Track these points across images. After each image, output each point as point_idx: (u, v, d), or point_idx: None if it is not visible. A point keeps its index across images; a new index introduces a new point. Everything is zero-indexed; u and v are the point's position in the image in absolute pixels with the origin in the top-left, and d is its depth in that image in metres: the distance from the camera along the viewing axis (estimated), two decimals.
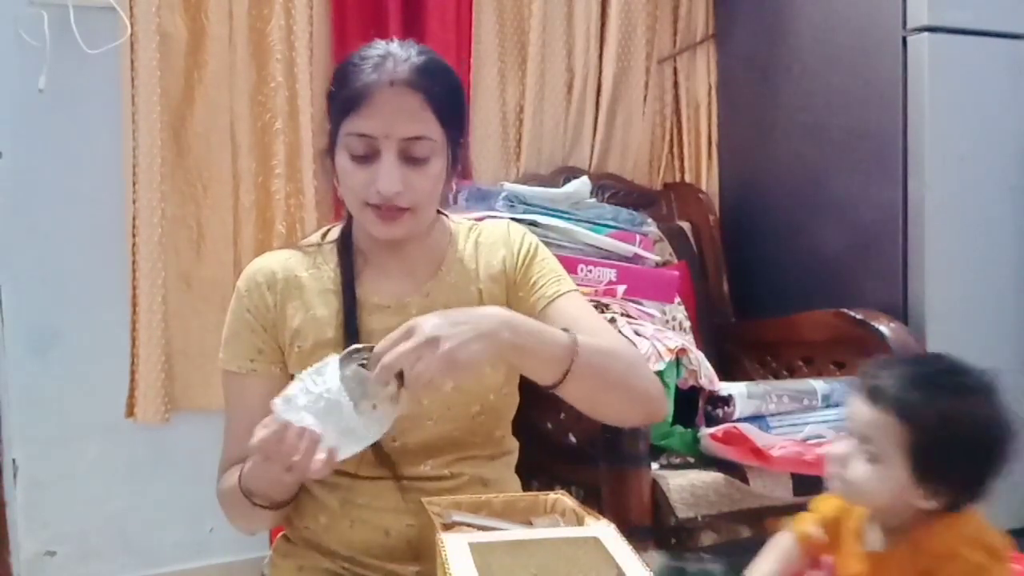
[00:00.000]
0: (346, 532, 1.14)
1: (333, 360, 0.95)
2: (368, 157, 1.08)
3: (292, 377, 1.15)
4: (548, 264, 1.23)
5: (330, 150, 1.14)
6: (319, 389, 0.93)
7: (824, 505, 1.05)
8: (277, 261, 1.18)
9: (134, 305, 2.01)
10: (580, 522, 0.99)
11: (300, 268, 1.18)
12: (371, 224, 1.12)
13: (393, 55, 1.09)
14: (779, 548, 1.06)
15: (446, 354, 0.92)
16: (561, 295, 1.18)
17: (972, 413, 0.92)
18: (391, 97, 1.07)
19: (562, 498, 1.05)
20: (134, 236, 1.99)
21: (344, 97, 1.09)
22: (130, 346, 2.02)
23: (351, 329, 1.13)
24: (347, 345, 1.10)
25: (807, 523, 1.05)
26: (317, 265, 1.18)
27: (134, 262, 2.00)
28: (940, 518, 0.94)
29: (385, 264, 1.18)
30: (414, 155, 1.09)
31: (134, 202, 1.98)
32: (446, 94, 1.11)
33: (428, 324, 0.94)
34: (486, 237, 1.24)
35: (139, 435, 2.09)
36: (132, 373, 2.02)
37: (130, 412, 2.04)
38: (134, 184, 1.98)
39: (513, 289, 1.21)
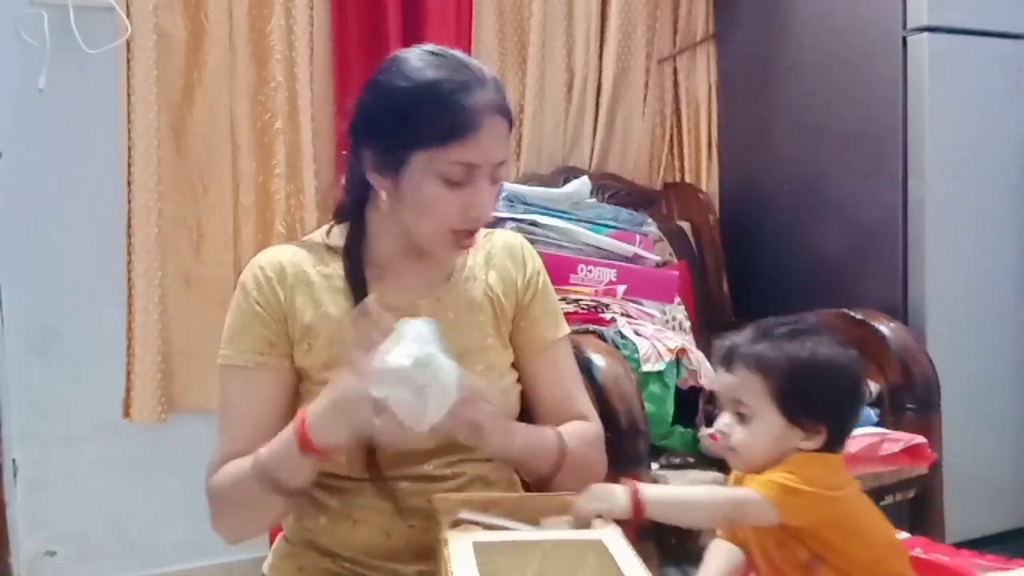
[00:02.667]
0: (347, 533, 1.13)
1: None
2: (462, 183, 1.07)
3: (298, 372, 1.14)
4: (551, 301, 1.27)
5: (383, 170, 1.10)
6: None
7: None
8: (284, 256, 1.16)
9: (130, 306, 2.00)
10: (588, 524, 0.99)
11: (307, 264, 1.16)
12: (446, 248, 1.13)
13: (478, 76, 1.07)
14: (721, 551, 1.10)
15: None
16: (557, 342, 1.24)
17: (813, 350, 1.03)
18: (494, 124, 1.06)
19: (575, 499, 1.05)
20: (130, 236, 1.99)
21: (448, 125, 1.04)
22: (126, 347, 2.02)
23: None
24: None
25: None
26: (325, 263, 1.16)
27: (130, 263, 2.00)
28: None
29: (400, 272, 1.18)
30: (496, 177, 1.10)
31: (130, 202, 1.99)
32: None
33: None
34: (499, 250, 1.25)
35: (139, 435, 2.09)
36: (128, 374, 2.02)
37: (126, 413, 2.03)
38: (129, 184, 1.98)
39: (518, 312, 1.23)
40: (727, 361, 1.05)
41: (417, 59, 1.08)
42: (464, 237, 1.11)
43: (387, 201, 1.11)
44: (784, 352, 1.02)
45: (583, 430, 1.20)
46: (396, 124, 1.07)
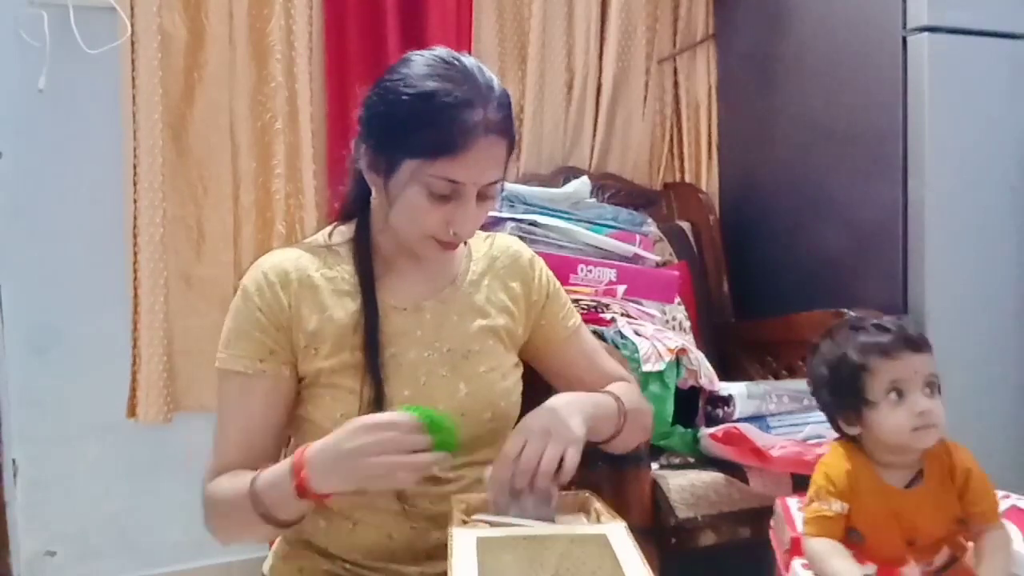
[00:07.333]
0: (348, 535, 1.13)
1: None
2: (447, 197, 1.07)
3: (301, 380, 1.14)
4: (562, 296, 1.32)
5: (376, 170, 1.11)
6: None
7: (824, 479, 1.11)
8: (288, 260, 1.15)
9: (135, 305, 2.01)
10: (599, 521, 1.00)
11: (311, 268, 1.15)
12: (429, 251, 1.13)
13: (481, 92, 1.06)
14: (840, 550, 1.09)
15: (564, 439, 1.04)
16: (578, 327, 1.32)
17: None
18: (486, 146, 1.06)
19: (591, 498, 1.06)
20: (135, 236, 1.99)
21: (436, 139, 1.04)
22: (131, 346, 2.02)
23: (373, 334, 1.12)
24: (368, 349, 1.10)
25: (823, 512, 1.10)
26: (329, 266, 1.16)
27: (135, 262, 2.00)
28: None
29: (405, 269, 1.18)
30: (487, 195, 1.11)
31: (135, 202, 1.99)
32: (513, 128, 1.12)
33: (536, 424, 1.05)
34: (501, 255, 1.27)
35: (139, 435, 2.09)
36: (133, 373, 2.02)
37: (131, 412, 2.03)
38: (135, 184, 1.98)
39: (533, 316, 1.27)
40: (921, 342, 1.09)
41: (424, 65, 1.07)
42: (447, 245, 1.12)
43: (377, 198, 1.13)
44: None
45: (630, 389, 1.28)
46: (390, 129, 1.08)
